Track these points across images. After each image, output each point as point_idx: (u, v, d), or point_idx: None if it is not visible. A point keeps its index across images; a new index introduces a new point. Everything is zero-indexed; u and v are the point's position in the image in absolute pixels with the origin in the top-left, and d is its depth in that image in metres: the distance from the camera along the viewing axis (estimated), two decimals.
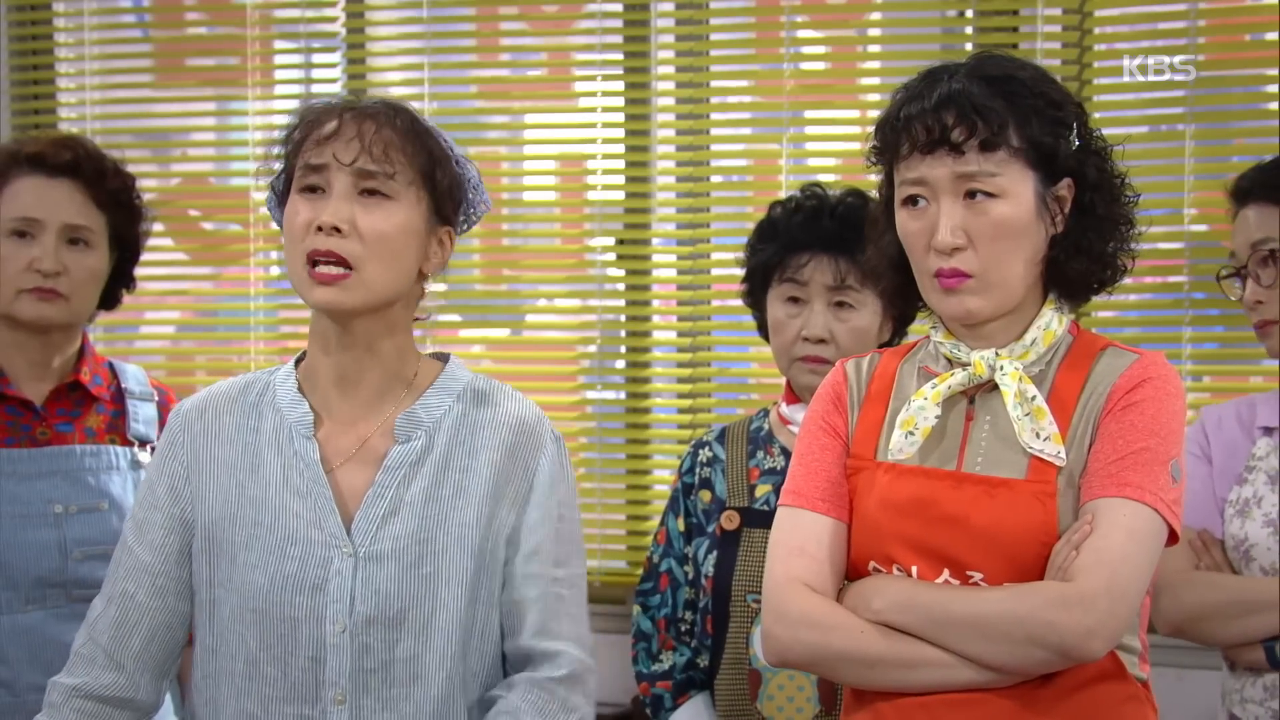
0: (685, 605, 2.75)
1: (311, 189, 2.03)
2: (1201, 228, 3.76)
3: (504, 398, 2.15)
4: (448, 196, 2.09)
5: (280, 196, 2.09)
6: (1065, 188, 1.99)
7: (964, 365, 2.02)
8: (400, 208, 2.03)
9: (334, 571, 2.03)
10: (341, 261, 2.00)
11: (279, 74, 4.32)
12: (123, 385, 2.75)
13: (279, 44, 4.30)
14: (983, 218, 1.95)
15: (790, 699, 2.59)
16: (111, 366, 2.77)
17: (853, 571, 2.04)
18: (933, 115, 1.94)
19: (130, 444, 2.70)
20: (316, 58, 4.29)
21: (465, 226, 2.16)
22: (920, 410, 1.99)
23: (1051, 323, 2.03)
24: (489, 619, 2.10)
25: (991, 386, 2.01)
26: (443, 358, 2.18)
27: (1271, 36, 3.64)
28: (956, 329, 2.04)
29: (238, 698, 2.05)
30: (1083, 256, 2.01)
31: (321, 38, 4.27)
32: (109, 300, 2.74)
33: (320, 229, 1.99)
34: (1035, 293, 2.03)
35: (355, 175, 2.01)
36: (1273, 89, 3.68)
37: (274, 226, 2.23)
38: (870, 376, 2.12)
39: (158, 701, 2.14)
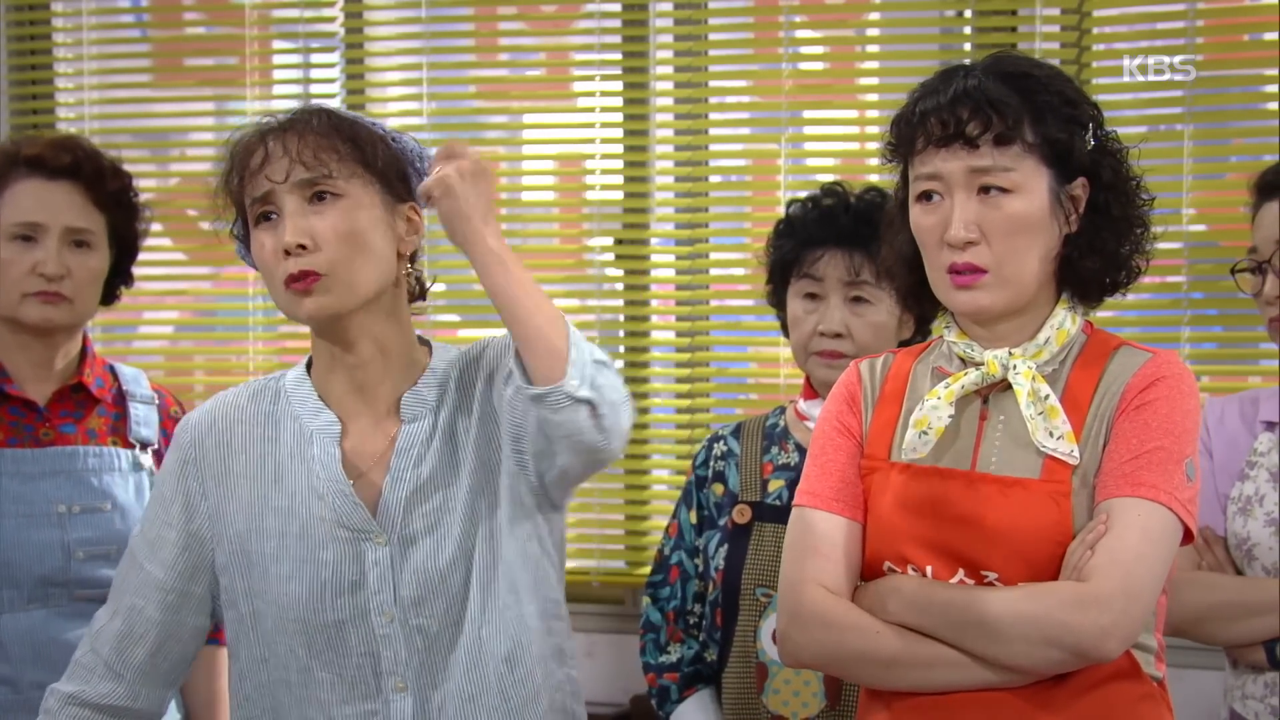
0: (694, 598, 2.76)
1: (266, 217, 2.04)
2: (1200, 228, 3.77)
3: (480, 347, 2.15)
4: (392, 174, 2.08)
5: (244, 242, 2.11)
6: (1080, 187, 1.99)
7: (977, 365, 2.01)
8: (351, 201, 2.02)
9: (370, 564, 2.03)
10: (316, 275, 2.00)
11: (277, 74, 4.31)
12: (124, 388, 2.74)
13: (277, 44, 4.30)
14: (996, 212, 1.94)
15: (796, 693, 2.60)
16: (112, 369, 2.76)
17: (868, 572, 2.03)
18: (948, 110, 1.94)
19: (131, 446, 2.69)
20: (315, 58, 4.29)
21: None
22: (934, 409, 1.99)
23: (1065, 322, 2.03)
24: (539, 557, 2.09)
25: (1005, 386, 2.01)
26: (424, 343, 2.18)
27: (1271, 36, 3.64)
28: (970, 328, 2.04)
29: (299, 705, 2.05)
30: (1096, 256, 2.00)
31: (320, 38, 4.26)
32: (106, 297, 2.73)
33: (288, 253, 2.00)
34: (1048, 291, 2.03)
35: (297, 188, 2.01)
36: (1272, 89, 3.68)
37: None
38: (884, 377, 2.11)
39: (160, 711, 2.15)
